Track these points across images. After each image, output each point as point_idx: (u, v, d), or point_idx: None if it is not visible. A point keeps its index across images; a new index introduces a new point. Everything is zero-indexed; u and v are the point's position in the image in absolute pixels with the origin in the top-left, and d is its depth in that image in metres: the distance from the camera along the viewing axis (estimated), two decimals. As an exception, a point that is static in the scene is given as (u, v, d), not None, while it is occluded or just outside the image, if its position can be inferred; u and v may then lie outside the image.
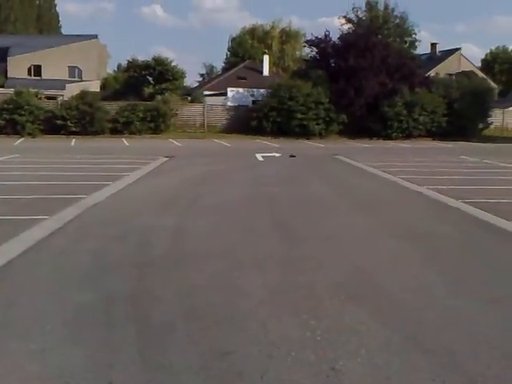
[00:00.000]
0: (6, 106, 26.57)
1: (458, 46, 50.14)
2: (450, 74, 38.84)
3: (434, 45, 49.90)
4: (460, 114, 29.44)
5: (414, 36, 44.25)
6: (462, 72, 39.26)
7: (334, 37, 31.49)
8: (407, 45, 42.74)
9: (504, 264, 5.43)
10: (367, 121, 29.03)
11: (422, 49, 47.87)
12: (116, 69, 55.21)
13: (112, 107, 28.63)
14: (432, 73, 37.49)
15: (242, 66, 46.39)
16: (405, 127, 29.42)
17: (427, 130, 29.96)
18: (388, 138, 29.00)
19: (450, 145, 26.01)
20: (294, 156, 17.28)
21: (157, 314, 3.98)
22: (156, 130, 28.58)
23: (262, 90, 31.38)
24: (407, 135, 29.55)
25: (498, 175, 12.79)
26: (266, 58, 44.77)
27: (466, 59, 48.51)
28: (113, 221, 7.33)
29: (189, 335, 3.59)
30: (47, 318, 3.86)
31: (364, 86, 28.65)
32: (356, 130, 28.99)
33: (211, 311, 4.02)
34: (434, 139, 29.48)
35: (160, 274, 4.93)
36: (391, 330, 3.69)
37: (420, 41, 44.35)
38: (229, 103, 32.90)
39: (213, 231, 6.74)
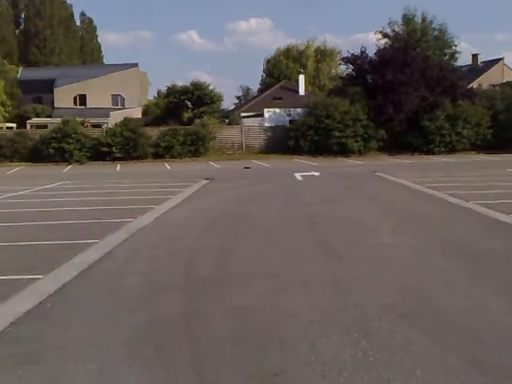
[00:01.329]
0: (54, 134, 27.71)
1: (501, 56, 48.78)
2: (494, 85, 37.80)
3: (475, 56, 48.77)
4: (506, 125, 28.47)
5: (453, 48, 43.32)
6: (506, 82, 38.15)
7: (371, 52, 31.44)
8: (447, 57, 41.90)
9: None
10: (408, 136, 28.56)
11: (463, 60, 46.75)
12: (156, 95, 56.74)
13: (153, 132, 29.42)
14: (474, 84, 36.62)
15: (277, 86, 46.77)
16: (447, 141, 28.74)
17: (471, 144, 29.15)
18: (430, 152, 28.40)
19: (496, 158, 25.23)
20: (249, 168, 17.19)
21: (207, 334, 4.03)
22: (196, 153, 29.10)
23: (298, 110, 31.50)
24: (450, 149, 28.83)
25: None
26: (301, 78, 44.98)
27: (510, 69, 47.17)
28: (159, 243, 7.50)
29: (240, 355, 3.62)
30: (103, 339, 3.98)
31: (403, 101, 28.25)
32: (396, 145, 28.55)
33: (260, 332, 4.04)
34: (478, 153, 28.67)
35: (208, 295, 5.00)
36: (447, 350, 3.61)
37: (460, 52, 43.29)
38: (266, 124, 33.16)
39: (257, 252, 6.79)
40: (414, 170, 18.78)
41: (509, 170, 18.00)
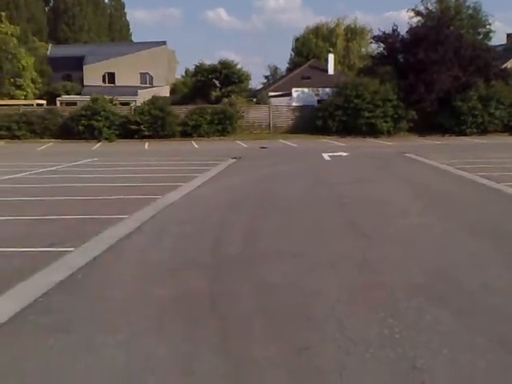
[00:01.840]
0: (83, 112, 28.13)
1: (536, 36, 46.81)
2: (529, 65, 36.47)
3: (509, 35, 47.02)
4: (540, 106, 27.65)
5: (488, 27, 41.92)
6: (542, 62, 36.73)
7: (402, 31, 30.66)
8: (481, 36, 40.60)
9: None
10: (438, 117, 27.94)
11: (498, 40, 45.18)
12: (184, 74, 56.82)
13: (181, 111, 29.53)
14: (509, 64, 35.41)
15: (306, 65, 46.18)
16: (480, 122, 28.03)
17: (504, 125, 28.38)
18: (461, 134, 27.76)
19: (529, 140, 24.54)
20: (266, 147, 16.90)
21: (235, 309, 4.08)
22: (223, 132, 29.15)
23: (327, 89, 31.08)
24: (482, 131, 28.13)
25: None
26: (330, 57, 44.26)
27: (545, 49, 45.25)
28: (187, 220, 7.59)
29: (267, 331, 3.66)
30: (132, 311, 4.07)
31: (435, 81, 27.57)
32: (426, 126, 27.97)
33: (287, 309, 4.07)
34: (511, 134, 27.87)
35: (235, 272, 5.04)
36: (475, 330, 3.58)
37: (495, 31, 41.95)
38: (294, 103, 32.87)
39: (285, 231, 6.81)
40: (445, 152, 18.41)
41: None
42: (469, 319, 3.78)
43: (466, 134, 27.66)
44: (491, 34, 42.42)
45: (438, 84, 27.64)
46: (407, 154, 17.57)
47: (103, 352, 3.35)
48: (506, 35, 47.77)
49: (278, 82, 47.84)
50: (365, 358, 3.20)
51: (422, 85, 27.65)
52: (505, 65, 33.67)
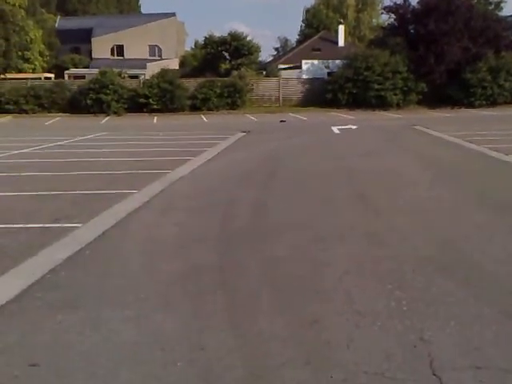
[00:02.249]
0: (92, 85, 27.96)
1: (551, 5, 45.47)
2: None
3: (523, 4, 45.83)
4: (549, 77, 27.16)
5: (499, -4, 40.68)
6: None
7: (414, 1, 29.99)
8: (492, 6, 39.49)
9: None
10: (448, 89, 27.55)
11: (508, 10, 43.96)
12: (193, 46, 56.12)
13: (190, 84, 29.27)
14: (519, 35, 34.54)
15: (316, 37, 45.42)
16: (489, 94, 27.65)
17: (513, 97, 27.96)
18: (471, 106, 27.41)
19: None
20: (284, 121, 16.60)
21: (243, 283, 4.10)
22: (233, 106, 28.93)
23: (337, 62, 30.63)
24: (491, 103, 27.77)
25: None
26: (341, 28, 43.45)
27: (559, 19, 43.99)
28: (196, 194, 7.61)
29: (275, 304, 3.68)
30: (140, 286, 4.06)
31: (445, 52, 27.13)
32: (436, 99, 27.63)
33: (296, 282, 4.09)
34: (520, 106, 27.50)
35: (243, 246, 5.06)
36: (482, 302, 3.59)
37: (506, 1, 40.63)
38: (304, 76, 32.46)
39: (294, 204, 6.81)
40: (454, 124, 18.18)
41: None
42: (476, 291, 3.79)
43: (475, 106, 27.32)
44: (502, 4, 41.22)
45: (447, 56, 27.20)
46: (416, 127, 17.40)
47: (111, 328, 3.34)
48: (517, 5, 46.45)
49: (287, 54, 47.17)
50: (372, 331, 3.22)
51: (432, 56, 27.23)
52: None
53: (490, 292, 3.76)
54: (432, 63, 27.30)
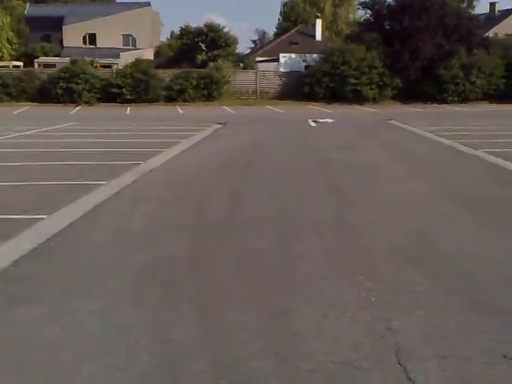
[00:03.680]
0: (62, 74, 27.16)
1: (517, 5, 46.64)
2: (510, 35, 36.41)
3: (492, 4, 46.95)
4: (519, 75, 27.76)
5: (472, -5, 41.49)
6: (522, 32, 36.62)
7: (390, -2, 30.17)
8: (465, 4, 40.22)
9: None
10: (422, 85, 27.93)
11: (481, 9, 44.87)
12: (169, 36, 55.40)
13: (166, 75, 28.83)
14: (490, 33, 35.33)
15: (294, 30, 45.34)
16: (461, 90, 28.13)
17: (484, 93, 28.52)
18: (443, 101, 27.84)
19: (508, 107, 24.69)
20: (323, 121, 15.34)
21: (214, 275, 4.06)
22: (209, 98, 28.65)
23: (314, 55, 30.66)
24: (463, 99, 28.25)
25: None
26: (318, 22, 43.50)
27: (527, 18, 45.10)
28: (169, 186, 7.50)
29: (246, 296, 3.66)
30: (108, 278, 3.97)
31: (419, 49, 27.51)
32: (410, 94, 27.96)
33: (268, 273, 4.08)
34: (491, 102, 28.03)
35: (216, 237, 5.02)
36: (449, 292, 3.64)
37: (478, 0, 41.52)
38: (281, 69, 32.39)
39: (268, 197, 6.78)
40: (427, 119, 18.47)
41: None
42: (443, 281, 3.83)
43: (447, 102, 27.76)
44: (475, 3, 42.09)
45: (422, 52, 27.59)
46: (391, 121, 17.60)
47: (75, 321, 3.26)
48: (489, 4, 47.63)
49: (265, 47, 46.98)
50: (341, 321, 3.23)
51: (406, 53, 27.58)
52: (487, 34, 33.54)
53: (456, 283, 3.82)
54: (407, 59, 27.65)
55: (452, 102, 27.80)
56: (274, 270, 4.14)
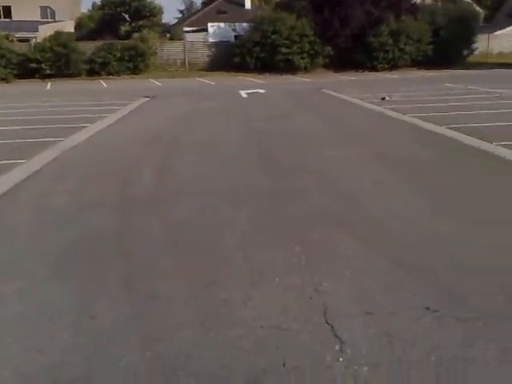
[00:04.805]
0: (-26, 49, 25.30)
1: (445, -29, 48.07)
2: (436, 0, 37.59)
3: (420, -30, 47.98)
4: (446, 41, 28.76)
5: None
6: (448, -3, 37.95)
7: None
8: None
9: (486, 185, 5.41)
10: (353, 53, 28.28)
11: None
12: (90, 7, 52.61)
13: (88, 47, 27.47)
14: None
15: (222, -1, 44.42)
16: (390, 58, 28.75)
17: (412, 60, 29.34)
18: (374, 69, 28.40)
19: (435, 73, 25.67)
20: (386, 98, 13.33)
21: (141, 248, 3.94)
22: (135, 70, 27.63)
23: (244, 25, 30.18)
24: (393, 66, 28.94)
25: (481, 100, 12.64)
26: (247, -10, 42.84)
27: (453, -16, 46.73)
28: (92, 162, 7.15)
29: (173, 268, 3.56)
30: (28, 257, 3.79)
31: (349, 16, 27.67)
32: (342, 62, 28.28)
33: (195, 244, 3.98)
34: (419, 69, 28.96)
35: (143, 212, 4.85)
36: (377, 254, 3.68)
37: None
38: (210, 39, 31.71)
39: (198, 168, 6.62)
40: (358, 87, 18.77)
41: (446, 84, 18.33)
42: (371, 244, 3.88)
43: (378, 70, 28.33)
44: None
45: (351, 19, 27.77)
46: (323, 90, 17.73)
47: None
48: (416, -30, 48.64)
49: (192, 16, 45.77)
50: (271, 287, 3.20)
51: (336, 20, 27.66)
52: (414, 0, 34.38)
53: (383, 244, 3.87)
54: (337, 27, 27.75)
55: (383, 70, 28.40)
56: (201, 241, 4.05)
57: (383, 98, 13.18)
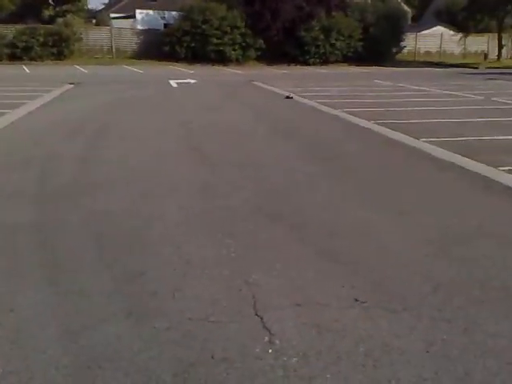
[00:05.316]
0: None
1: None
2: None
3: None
4: (375, 38, 29.79)
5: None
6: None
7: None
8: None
9: (409, 178, 5.67)
10: (285, 46, 28.61)
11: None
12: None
13: (9, 31, 25.89)
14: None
15: (151, -14, 43.24)
16: (322, 52, 29.41)
17: (343, 56, 30.18)
18: (306, 63, 28.90)
19: (365, 70, 26.48)
20: (291, 97, 13.01)
21: (64, 241, 3.76)
22: (59, 56, 26.39)
23: (173, 13, 29.60)
24: (324, 60, 29.61)
25: (410, 97, 13.22)
26: (177, -22, 41.96)
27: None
28: (9, 151, 6.74)
29: (100, 260, 3.44)
30: None
31: (280, 9, 27.92)
32: (274, 55, 28.53)
33: (123, 236, 3.85)
34: (350, 64, 29.82)
35: (63, 203, 4.63)
36: (305, 245, 3.73)
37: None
38: (138, 26, 30.83)
39: (124, 158, 6.40)
40: (290, 80, 19.01)
41: (376, 81, 19.02)
42: (300, 235, 3.92)
43: (309, 64, 28.86)
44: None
45: (283, 13, 28.04)
46: (254, 82, 17.78)
47: None
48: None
49: (120, 3, 44.21)
50: (200, 279, 3.15)
51: (267, 13, 27.81)
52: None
53: (312, 236, 3.92)
54: (268, 19, 27.88)
55: (314, 64, 28.95)
56: (129, 233, 3.92)
57: (288, 97, 12.89)
